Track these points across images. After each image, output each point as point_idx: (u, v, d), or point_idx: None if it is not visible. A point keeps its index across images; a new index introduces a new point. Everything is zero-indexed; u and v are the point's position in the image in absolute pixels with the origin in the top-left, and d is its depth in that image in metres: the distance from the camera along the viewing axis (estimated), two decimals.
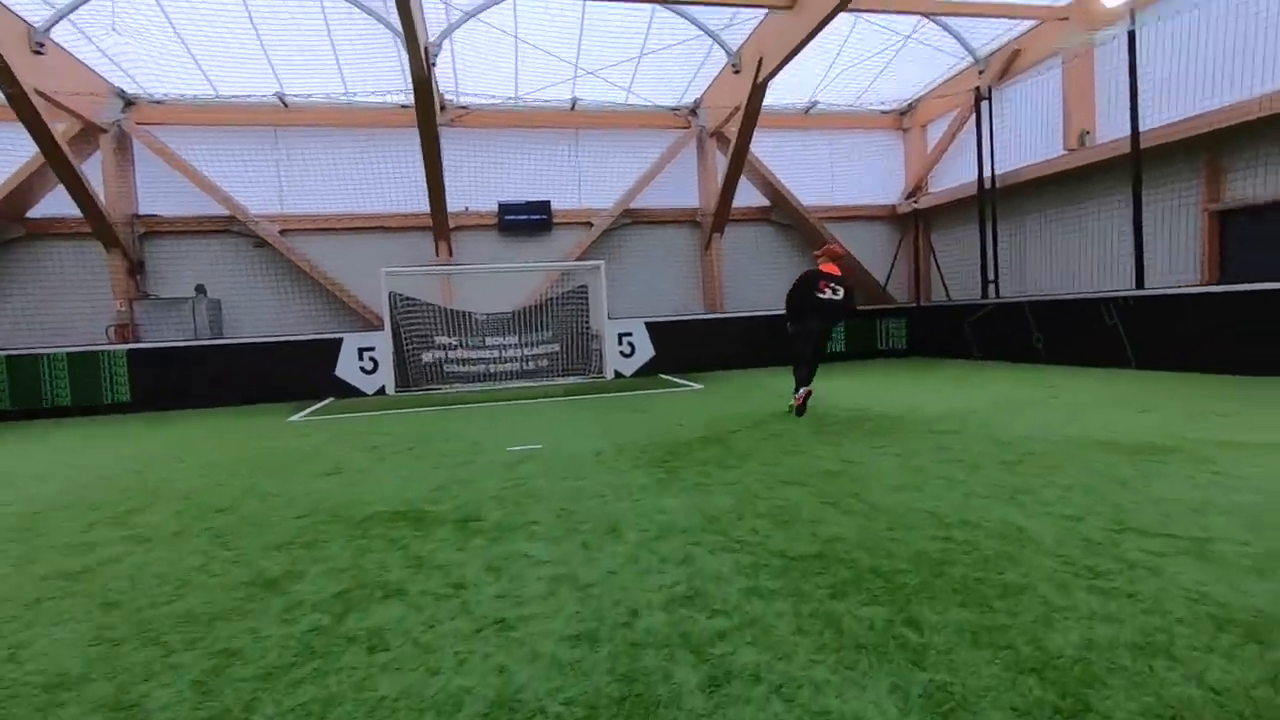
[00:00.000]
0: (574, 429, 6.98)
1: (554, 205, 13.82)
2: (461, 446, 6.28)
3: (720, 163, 13.78)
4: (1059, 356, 10.74)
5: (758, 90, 11.40)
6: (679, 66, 13.10)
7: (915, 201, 14.86)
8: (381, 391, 12.00)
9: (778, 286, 14.72)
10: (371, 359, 12.04)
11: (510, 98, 13.29)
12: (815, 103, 14.60)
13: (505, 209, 13.56)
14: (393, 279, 12.39)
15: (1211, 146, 9.18)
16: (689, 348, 13.18)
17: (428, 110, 10.61)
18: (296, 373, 11.65)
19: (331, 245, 13.10)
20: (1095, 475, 4.05)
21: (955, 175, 14.14)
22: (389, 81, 12.47)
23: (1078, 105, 11.04)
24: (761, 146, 14.32)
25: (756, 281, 14.85)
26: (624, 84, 13.42)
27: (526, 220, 13.67)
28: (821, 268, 7.07)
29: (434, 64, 10.89)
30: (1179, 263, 9.68)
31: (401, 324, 12.34)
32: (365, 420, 8.60)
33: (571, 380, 12.52)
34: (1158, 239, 9.88)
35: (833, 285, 6.95)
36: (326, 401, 11.30)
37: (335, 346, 11.90)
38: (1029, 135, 12.07)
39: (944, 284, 14.50)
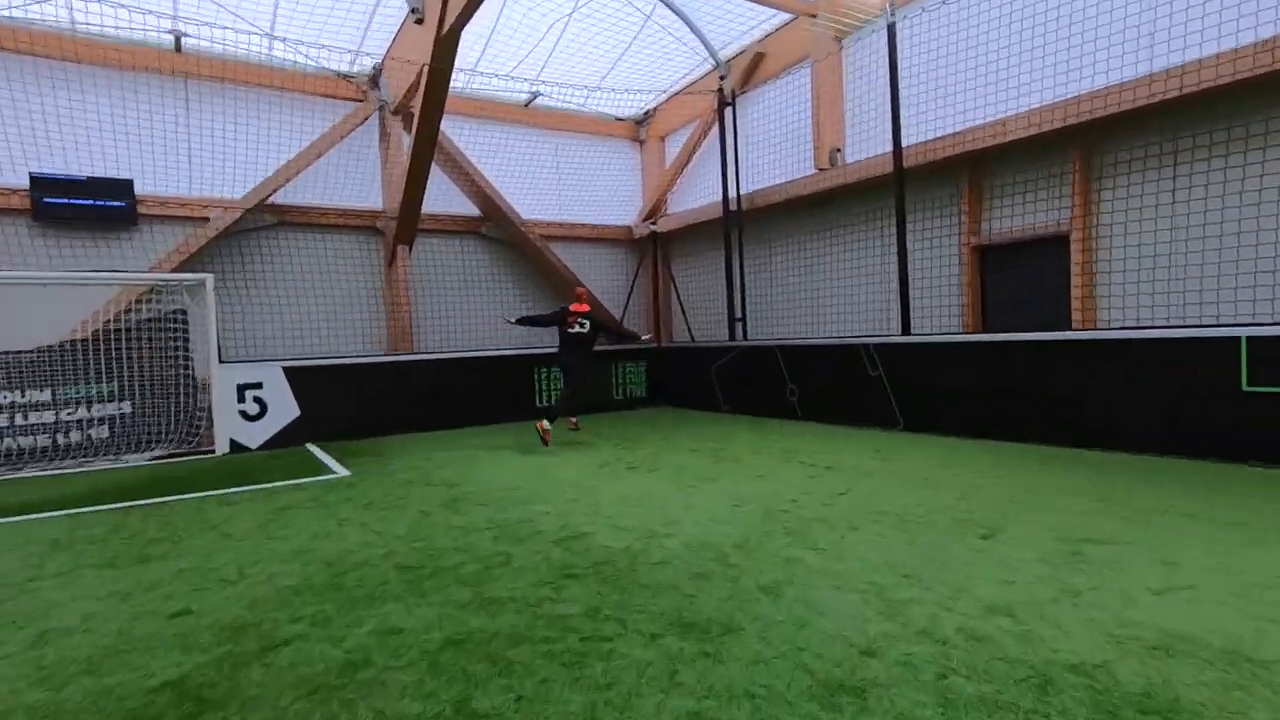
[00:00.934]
0: None
1: (142, 188, 9.08)
2: None
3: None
4: (818, 412, 8.91)
5: (444, 46, 8.15)
6: (346, 14, 9.37)
7: (654, 224, 12.72)
8: None
9: (490, 319, 11.52)
10: None
11: (65, 5, 8.40)
12: (537, 94, 11.79)
13: (43, 185, 8.49)
14: None
15: (973, 169, 7.96)
16: (356, 404, 9.27)
17: None
18: None
19: None
20: None
21: (698, 195, 12.24)
22: None
23: (828, 119, 9.55)
24: (471, 141, 11.12)
25: (461, 312, 11.46)
26: (264, 26, 9.30)
27: (89, 207, 8.73)
28: (572, 307, 8.01)
29: None
30: (944, 305, 8.35)
31: None
32: None
33: (150, 459, 7.87)
34: (920, 277, 8.49)
35: (580, 320, 7.91)
36: None
37: None
38: (778, 151, 10.43)
39: (687, 322, 12.46)
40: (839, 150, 9.45)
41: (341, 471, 6.87)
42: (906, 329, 7.98)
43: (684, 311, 12.49)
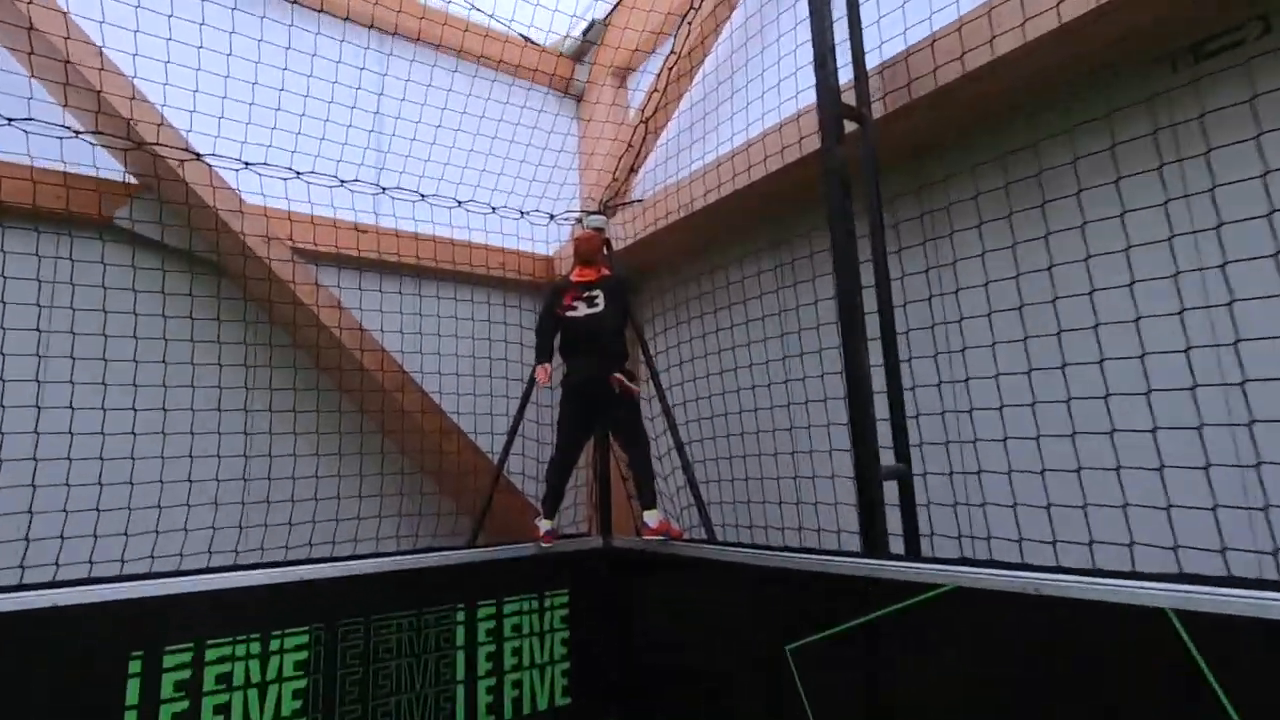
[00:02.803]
0: None
1: None
2: None
3: None
4: None
5: None
6: None
7: (606, 213, 5.37)
8: None
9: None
10: None
11: None
12: None
13: None
14: None
15: None
16: None
17: None
18: None
19: None
20: None
21: (705, 151, 5.03)
22: None
23: None
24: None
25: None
26: None
27: None
28: (573, 275, 3.92)
29: None
30: None
31: None
32: None
33: None
34: None
35: (587, 295, 3.78)
36: None
37: None
38: None
39: (692, 483, 4.61)
40: None
41: None
42: None
43: (681, 451, 4.71)
